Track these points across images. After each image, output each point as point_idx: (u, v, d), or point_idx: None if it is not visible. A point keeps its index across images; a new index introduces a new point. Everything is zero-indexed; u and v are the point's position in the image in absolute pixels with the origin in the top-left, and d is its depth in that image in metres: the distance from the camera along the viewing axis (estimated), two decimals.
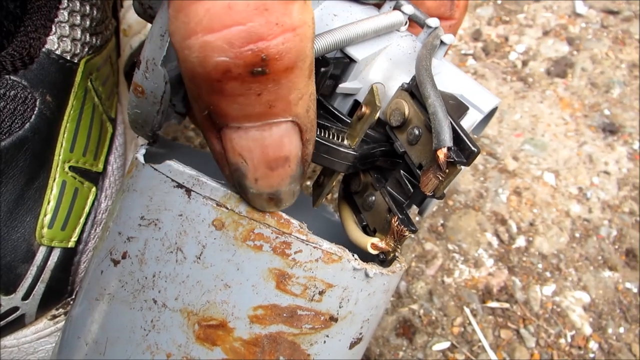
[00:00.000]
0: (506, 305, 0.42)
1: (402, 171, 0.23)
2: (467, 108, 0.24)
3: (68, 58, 0.28)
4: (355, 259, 0.21)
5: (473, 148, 0.20)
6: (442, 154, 0.20)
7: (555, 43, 0.58)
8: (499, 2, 0.62)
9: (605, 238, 0.45)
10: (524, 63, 0.57)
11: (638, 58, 0.56)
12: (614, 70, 0.55)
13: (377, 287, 0.22)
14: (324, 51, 0.22)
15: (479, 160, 0.49)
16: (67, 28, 0.28)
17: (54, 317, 0.30)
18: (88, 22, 0.30)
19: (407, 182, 0.23)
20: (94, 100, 0.31)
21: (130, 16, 0.47)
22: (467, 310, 0.41)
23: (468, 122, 0.25)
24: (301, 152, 0.19)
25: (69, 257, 0.29)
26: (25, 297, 0.28)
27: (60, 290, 0.29)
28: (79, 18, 0.29)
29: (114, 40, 0.35)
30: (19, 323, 0.28)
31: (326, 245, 0.20)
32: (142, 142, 0.36)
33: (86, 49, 0.30)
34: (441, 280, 0.43)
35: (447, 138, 0.20)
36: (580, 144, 0.51)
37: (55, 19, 0.28)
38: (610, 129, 0.52)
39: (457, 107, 0.24)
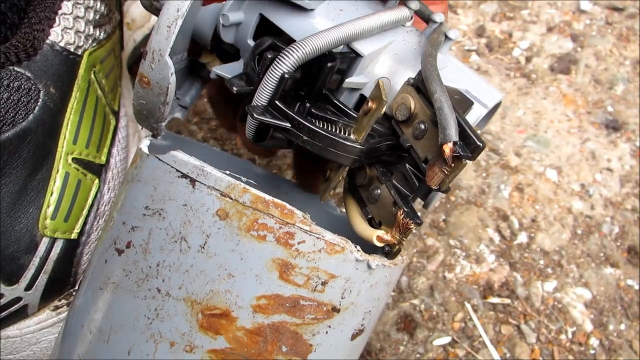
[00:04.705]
0: (507, 301, 0.42)
1: (407, 165, 0.23)
2: (472, 103, 0.24)
3: (72, 50, 0.28)
4: (358, 250, 0.21)
5: (479, 143, 0.20)
6: (448, 148, 0.20)
7: (559, 39, 0.58)
8: None
9: (607, 235, 0.45)
10: (528, 59, 0.57)
11: None
12: (617, 67, 0.55)
13: (379, 279, 0.22)
14: (331, 46, 0.22)
15: (481, 156, 0.48)
16: (70, 20, 0.28)
17: (57, 308, 0.30)
18: (92, 15, 0.30)
19: (412, 176, 0.23)
20: (97, 93, 0.31)
21: (134, 10, 0.47)
22: (468, 306, 0.41)
23: (473, 116, 0.25)
24: None
25: (72, 248, 0.29)
26: (28, 287, 0.28)
27: (63, 281, 0.29)
28: (82, 10, 0.29)
29: (118, 34, 0.35)
30: (22, 314, 0.28)
31: (329, 236, 0.20)
32: (145, 135, 0.36)
33: (90, 41, 0.30)
34: (442, 275, 0.43)
35: (453, 133, 0.20)
36: (583, 140, 0.51)
37: (59, 11, 0.28)
38: (613, 126, 0.51)
39: (462, 102, 0.24)
